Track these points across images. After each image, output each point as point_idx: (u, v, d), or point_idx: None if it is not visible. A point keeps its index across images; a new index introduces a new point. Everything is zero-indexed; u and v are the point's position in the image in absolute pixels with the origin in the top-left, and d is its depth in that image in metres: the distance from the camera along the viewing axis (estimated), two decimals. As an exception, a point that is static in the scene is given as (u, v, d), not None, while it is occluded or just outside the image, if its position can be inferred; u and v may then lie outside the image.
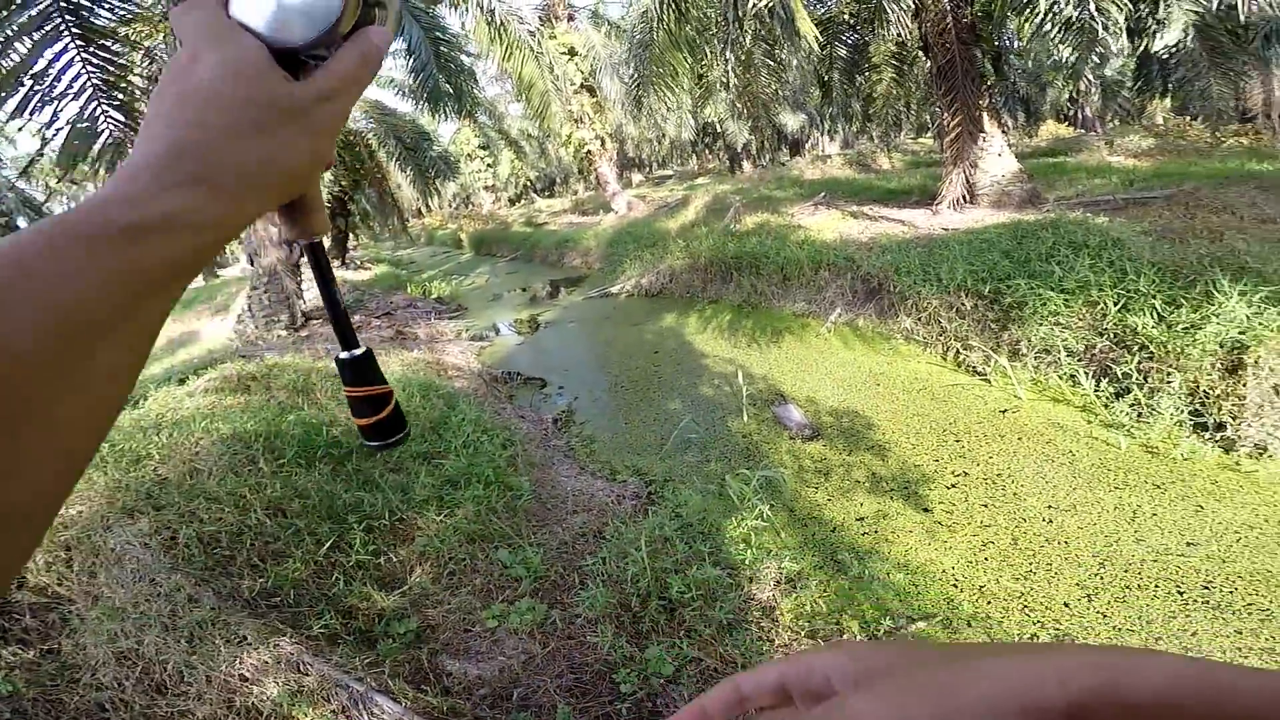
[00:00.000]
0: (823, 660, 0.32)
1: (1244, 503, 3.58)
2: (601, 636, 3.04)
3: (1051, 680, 0.25)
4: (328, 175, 11.49)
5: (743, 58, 9.69)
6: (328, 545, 3.42)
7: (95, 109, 6.10)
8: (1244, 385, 3.86)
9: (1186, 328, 4.33)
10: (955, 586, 3.38)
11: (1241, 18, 8.05)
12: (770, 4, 8.08)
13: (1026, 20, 8.34)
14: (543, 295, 13.89)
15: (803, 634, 3.12)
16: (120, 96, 6.20)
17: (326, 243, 0.50)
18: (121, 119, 6.20)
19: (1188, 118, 17.65)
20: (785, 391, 5.99)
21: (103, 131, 6.26)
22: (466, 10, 13.72)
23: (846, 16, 11.25)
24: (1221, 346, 4.09)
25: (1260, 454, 3.74)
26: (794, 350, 7.08)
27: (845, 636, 3.09)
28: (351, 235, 16.84)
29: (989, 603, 3.23)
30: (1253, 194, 7.21)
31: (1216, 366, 4.08)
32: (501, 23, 14.01)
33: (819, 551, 3.79)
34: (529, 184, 43.20)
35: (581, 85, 18.42)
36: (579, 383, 7.25)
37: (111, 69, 6.10)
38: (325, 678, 2.46)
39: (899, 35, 10.55)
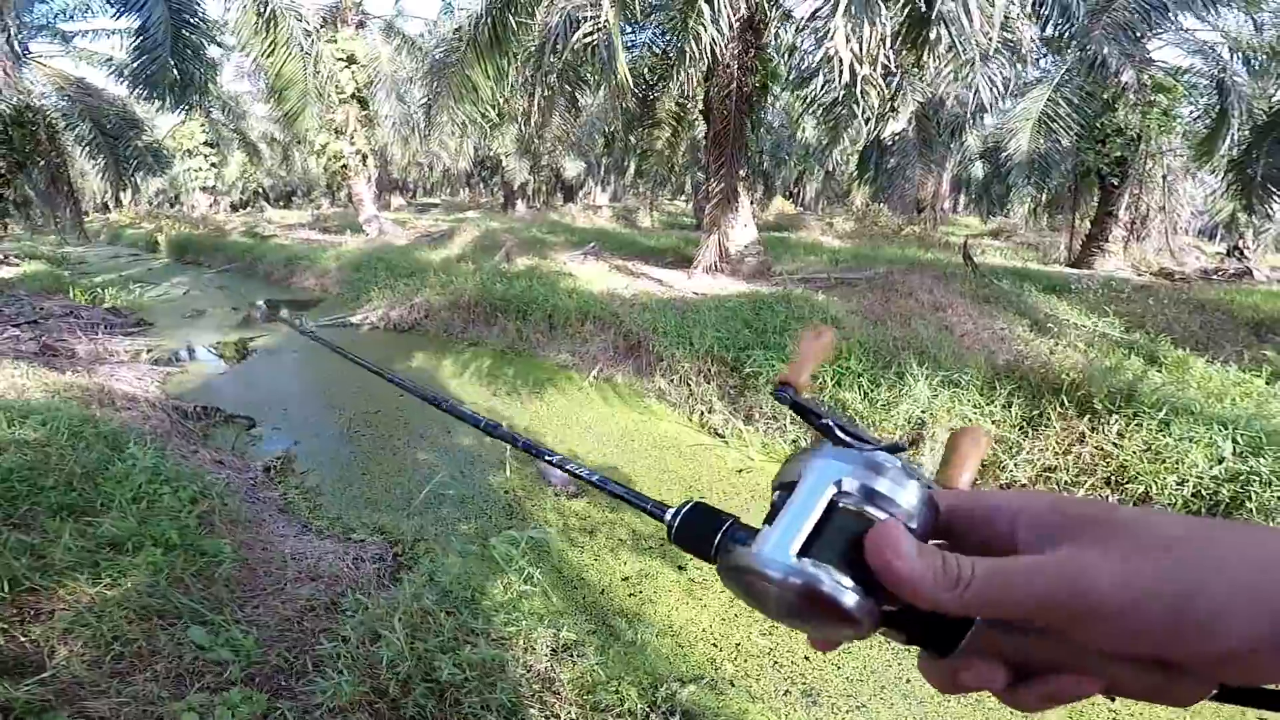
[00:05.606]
0: (1012, 503, 0.33)
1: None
2: (351, 734, 2.62)
3: None
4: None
5: (548, 94, 9.63)
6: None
7: None
8: (923, 456, 4.66)
9: (885, 404, 5.14)
10: (715, 646, 3.56)
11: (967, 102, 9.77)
12: (594, 41, 8.06)
13: (796, 99, 9.22)
14: (259, 317, 12.21)
15: (587, 707, 3.01)
16: None
17: None
18: None
19: (880, 204, 21.39)
20: (548, 445, 5.94)
21: None
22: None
23: (645, 71, 11.69)
24: (909, 422, 4.92)
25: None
26: (556, 403, 7.09)
27: (627, 705, 3.03)
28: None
29: (746, 661, 3.45)
30: (929, 282, 8.93)
31: (906, 439, 4.89)
32: (273, 15, 12.62)
33: (591, 616, 3.76)
34: (261, 191, 39.50)
35: (353, 95, 17.15)
36: (301, 424, 6.45)
37: None
38: None
39: (683, 94, 11.27)
